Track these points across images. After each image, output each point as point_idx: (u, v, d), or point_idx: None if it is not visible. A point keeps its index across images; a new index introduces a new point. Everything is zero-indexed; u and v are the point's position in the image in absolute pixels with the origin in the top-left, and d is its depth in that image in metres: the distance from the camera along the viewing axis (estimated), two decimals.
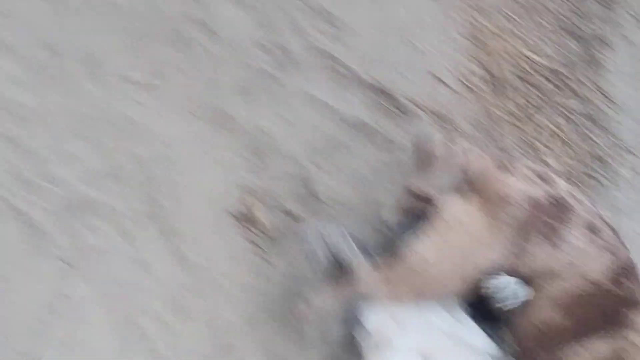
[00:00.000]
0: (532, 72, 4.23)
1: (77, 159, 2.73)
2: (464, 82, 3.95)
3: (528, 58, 4.28)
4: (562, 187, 2.64)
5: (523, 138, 3.97)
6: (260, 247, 2.95)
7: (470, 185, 2.64)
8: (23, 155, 2.65)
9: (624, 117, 4.37)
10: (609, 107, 4.36)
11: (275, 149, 3.17)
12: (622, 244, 2.67)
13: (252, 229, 2.96)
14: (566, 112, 4.21)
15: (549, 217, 2.52)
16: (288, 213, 3.07)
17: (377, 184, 3.33)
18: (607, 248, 2.60)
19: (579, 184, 3.94)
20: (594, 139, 4.18)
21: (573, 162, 4.01)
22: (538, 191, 2.55)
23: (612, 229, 2.67)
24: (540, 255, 2.55)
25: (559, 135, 4.10)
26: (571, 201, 2.59)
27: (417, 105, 3.66)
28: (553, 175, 2.69)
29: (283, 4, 3.48)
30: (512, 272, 2.60)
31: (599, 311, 2.63)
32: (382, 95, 3.60)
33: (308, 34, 3.51)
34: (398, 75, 3.71)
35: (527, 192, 2.54)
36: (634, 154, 4.29)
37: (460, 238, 2.55)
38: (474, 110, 3.86)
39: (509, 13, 4.41)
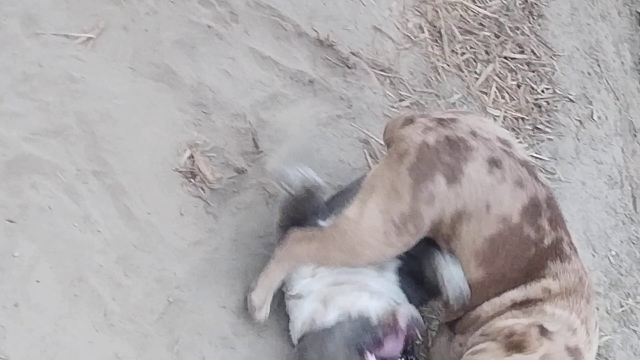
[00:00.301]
0: (475, 24, 4.25)
1: (18, 117, 2.69)
2: (409, 35, 3.97)
3: (471, 10, 4.30)
4: (464, 128, 2.68)
5: (467, 89, 4.00)
6: (207, 202, 2.95)
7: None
8: None
9: (565, 67, 4.43)
10: (551, 58, 4.42)
11: (220, 104, 3.16)
12: (537, 179, 2.69)
13: (199, 185, 2.96)
14: (509, 63, 4.25)
15: (442, 155, 2.57)
16: (234, 167, 3.07)
17: (322, 137, 3.34)
18: (517, 182, 2.62)
19: (520, 132, 3.99)
20: (537, 88, 4.23)
21: (517, 112, 4.06)
22: (431, 136, 2.60)
23: (527, 166, 2.68)
24: (446, 194, 2.59)
25: (502, 86, 4.14)
26: (471, 141, 2.62)
27: (361, 59, 3.67)
28: (458, 118, 2.73)
29: None
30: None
31: (518, 264, 2.68)
32: (327, 49, 3.60)
33: None
34: (342, 29, 3.71)
35: (419, 139, 2.60)
36: (575, 103, 4.35)
37: (374, 197, 2.63)
38: (419, 64, 3.88)
39: None
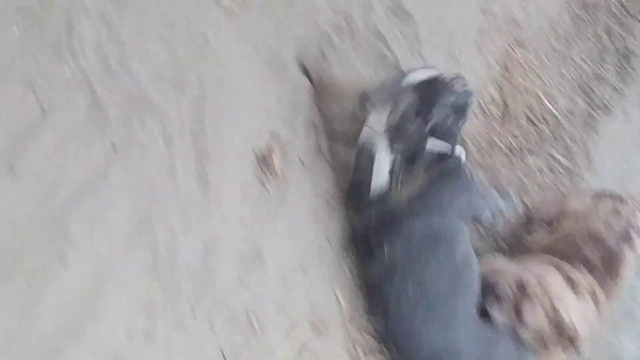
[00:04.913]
0: (539, 115, 4.51)
1: (152, 57, 2.89)
2: (481, 103, 4.22)
3: (541, 102, 4.56)
4: None
5: (510, 171, 4.29)
6: (267, 190, 3.19)
7: None
8: (113, 38, 2.82)
9: (599, 183, 4.65)
10: (587, 171, 4.66)
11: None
12: None
13: (266, 172, 3.20)
14: (551, 161, 4.52)
15: None
16: (301, 166, 3.33)
17: None
18: None
19: None
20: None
21: None
22: None
23: None
24: None
25: (536, 180, 4.42)
26: None
27: None
28: None
29: None
30: None
31: None
32: None
33: (375, 14, 3.72)
34: None
35: None
36: None
37: None
38: (479, 132, 4.13)
39: (542, 54, 4.67)
